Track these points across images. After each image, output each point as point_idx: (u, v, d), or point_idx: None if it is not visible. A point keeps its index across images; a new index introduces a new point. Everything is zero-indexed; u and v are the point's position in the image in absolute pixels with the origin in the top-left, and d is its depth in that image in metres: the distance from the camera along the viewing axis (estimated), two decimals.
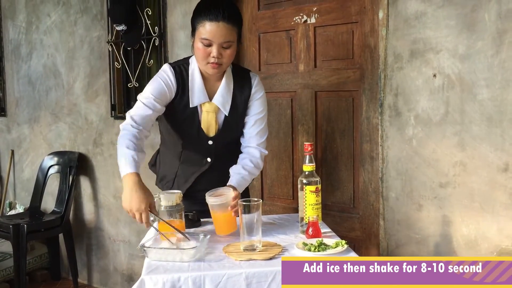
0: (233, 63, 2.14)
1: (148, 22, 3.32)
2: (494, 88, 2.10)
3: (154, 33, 3.28)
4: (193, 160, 2.17)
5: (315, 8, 2.69)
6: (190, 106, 2.06)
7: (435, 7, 2.22)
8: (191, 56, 2.10)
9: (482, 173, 2.15)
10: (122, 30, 3.37)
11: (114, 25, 3.43)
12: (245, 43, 3.00)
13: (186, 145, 2.14)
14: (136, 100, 3.75)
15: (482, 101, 2.13)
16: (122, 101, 3.60)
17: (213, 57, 1.95)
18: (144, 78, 3.45)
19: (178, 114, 2.08)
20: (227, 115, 2.09)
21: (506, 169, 2.09)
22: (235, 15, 1.98)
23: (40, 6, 4.02)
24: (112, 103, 3.59)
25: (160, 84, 2.04)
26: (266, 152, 2.18)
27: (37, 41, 4.08)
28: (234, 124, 2.13)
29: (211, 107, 2.08)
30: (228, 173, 2.08)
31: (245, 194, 2.18)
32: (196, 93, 2.05)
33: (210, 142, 2.11)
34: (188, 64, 2.09)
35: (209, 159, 2.15)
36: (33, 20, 4.09)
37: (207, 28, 1.92)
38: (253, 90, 2.13)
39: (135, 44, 3.39)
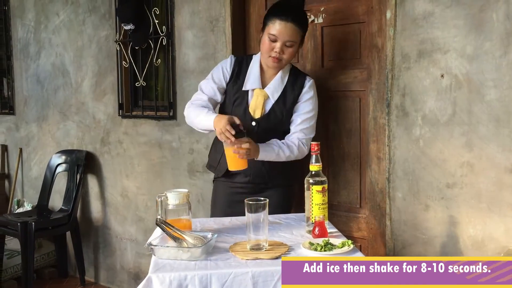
0: (294, 65, 2.42)
1: (156, 21, 3.33)
2: (502, 89, 2.09)
3: (162, 32, 3.29)
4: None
5: (323, 8, 2.69)
6: (243, 89, 2.33)
7: (443, 7, 2.22)
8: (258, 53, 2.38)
9: (489, 173, 2.14)
10: (130, 29, 3.38)
11: (122, 25, 3.45)
12: (253, 43, 3.01)
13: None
14: (143, 99, 3.79)
15: (489, 102, 2.12)
16: (129, 100, 3.61)
17: (276, 51, 2.22)
18: (151, 77, 3.46)
19: (231, 95, 2.37)
20: (273, 102, 2.31)
21: None
22: (303, 20, 2.28)
23: (49, 5, 4.04)
24: (120, 102, 3.60)
25: (218, 68, 2.41)
26: (306, 147, 2.30)
27: (46, 40, 4.10)
28: (279, 113, 2.33)
29: (262, 93, 2.32)
30: (267, 165, 2.31)
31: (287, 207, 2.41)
32: (251, 79, 2.33)
33: (254, 123, 2.31)
34: (251, 57, 2.40)
35: None
36: (41, 19, 4.12)
37: (277, 26, 2.21)
38: (304, 90, 2.35)
39: (142, 43, 3.40)
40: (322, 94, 2.66)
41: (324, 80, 2.70)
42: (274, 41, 2.22)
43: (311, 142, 1.96)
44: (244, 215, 1.75)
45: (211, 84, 2.37)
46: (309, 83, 2.37)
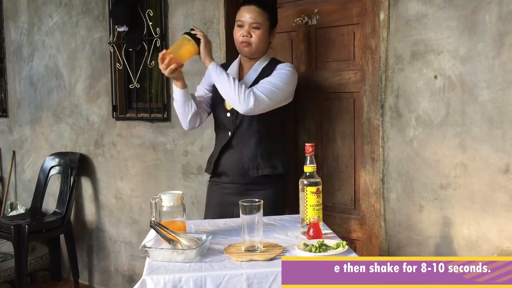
0: (273, 58, 2.45)
1: (150, 23, 3.33)
2: (495, 90, 2.10)
3: (156, 34, 3.29)
4: (220, 136, 2.43)
5: (316, 10, 2.70)
6: None
7: (436, 9, 2.23)
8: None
9: (483, 174, 2.15)
10: (124, 31, 3.38)
11: (116, 26, 3.44)
12: None
13: (217, 122, 2.45)
14: (137, 101, 3.78)
15: (483, 103, 2.13)
16: (123, 102, 3.60)
17: (243, 36, 2.31)
18: (145, 79, 3.45)
19: (215, 94, 2.41)
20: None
21: (507, 170, 2.09)
22: (266, 3, 2.34)
23: (42, 7, 4.03)
24: (114, 104, 3.60)
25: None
26: (252, 98, 2.18)
27: (39, 42, 4.09)
28: None
29: None
30: (247, 157, 2.32)
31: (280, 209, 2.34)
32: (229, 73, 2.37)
33: (228, 115, 2.35)
34: (234, 59, 2.49)
35: (229, 133, 2.37)
36: (35, 21, 4.10)
37: (241, 13, 2.34)
38: (277, 67, 2.35)
39: (136, 45, 3.39)
40: (316, 95, 2.67)
41: (318, 82, 2.70)
42: (241, 26, 2.32)
43: (306, 144, 1.95)
44: (235, 216, 1.75)
45: (200, 86, 2.51)
46: (285, 63, 2.39)
